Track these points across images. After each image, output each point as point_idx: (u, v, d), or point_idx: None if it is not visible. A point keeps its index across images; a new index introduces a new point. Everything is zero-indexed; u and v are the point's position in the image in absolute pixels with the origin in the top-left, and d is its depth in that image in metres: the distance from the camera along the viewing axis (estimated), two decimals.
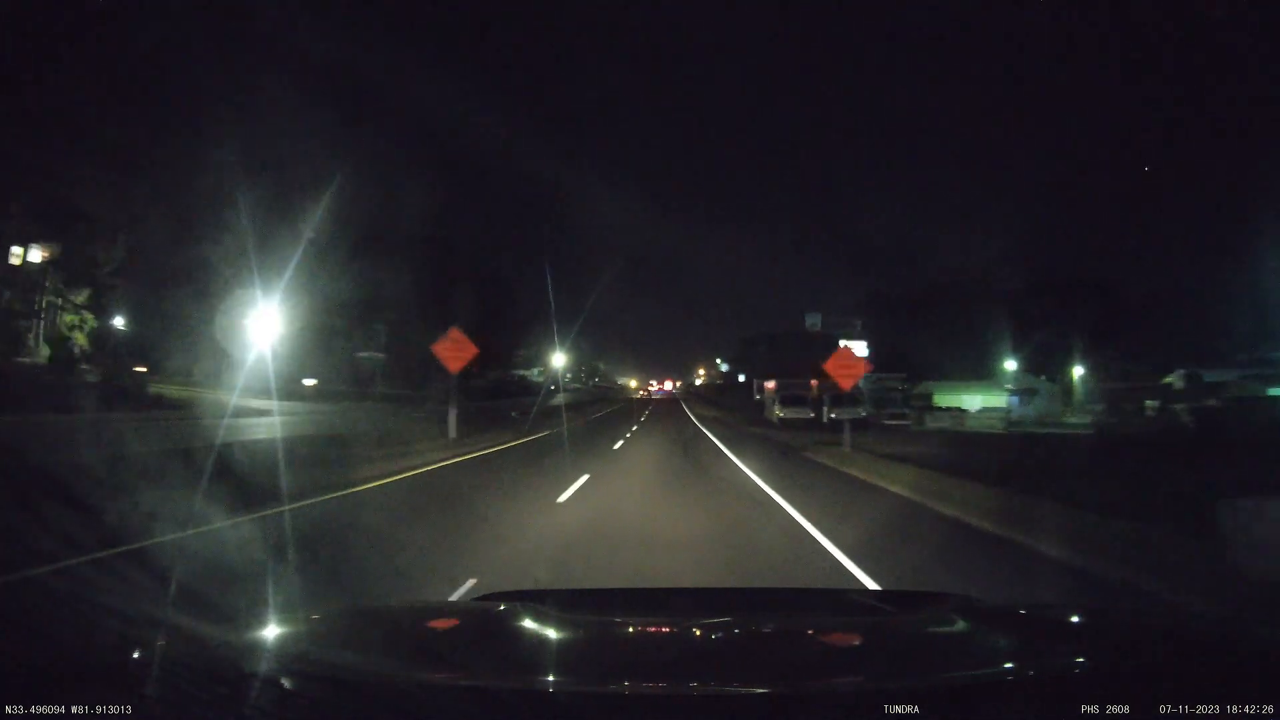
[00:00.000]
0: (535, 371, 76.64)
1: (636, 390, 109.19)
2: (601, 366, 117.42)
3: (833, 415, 26.63)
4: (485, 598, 2.80)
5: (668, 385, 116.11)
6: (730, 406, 48.47)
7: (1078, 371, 32.23)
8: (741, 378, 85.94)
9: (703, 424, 30.06)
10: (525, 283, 73.49)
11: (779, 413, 30.49)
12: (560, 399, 44.32)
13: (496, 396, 46.96)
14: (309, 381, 31.71)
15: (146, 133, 31.24)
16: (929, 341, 33.29)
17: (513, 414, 30.06)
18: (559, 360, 66.40)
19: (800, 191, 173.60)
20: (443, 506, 8.86)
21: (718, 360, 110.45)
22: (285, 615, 2.58)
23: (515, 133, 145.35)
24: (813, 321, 49.79)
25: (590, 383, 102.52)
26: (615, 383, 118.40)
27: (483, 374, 63.67)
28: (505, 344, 70.48)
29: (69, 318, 30.61)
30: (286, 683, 1.31)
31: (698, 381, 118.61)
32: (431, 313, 49.80)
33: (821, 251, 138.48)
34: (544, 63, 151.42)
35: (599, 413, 42.02)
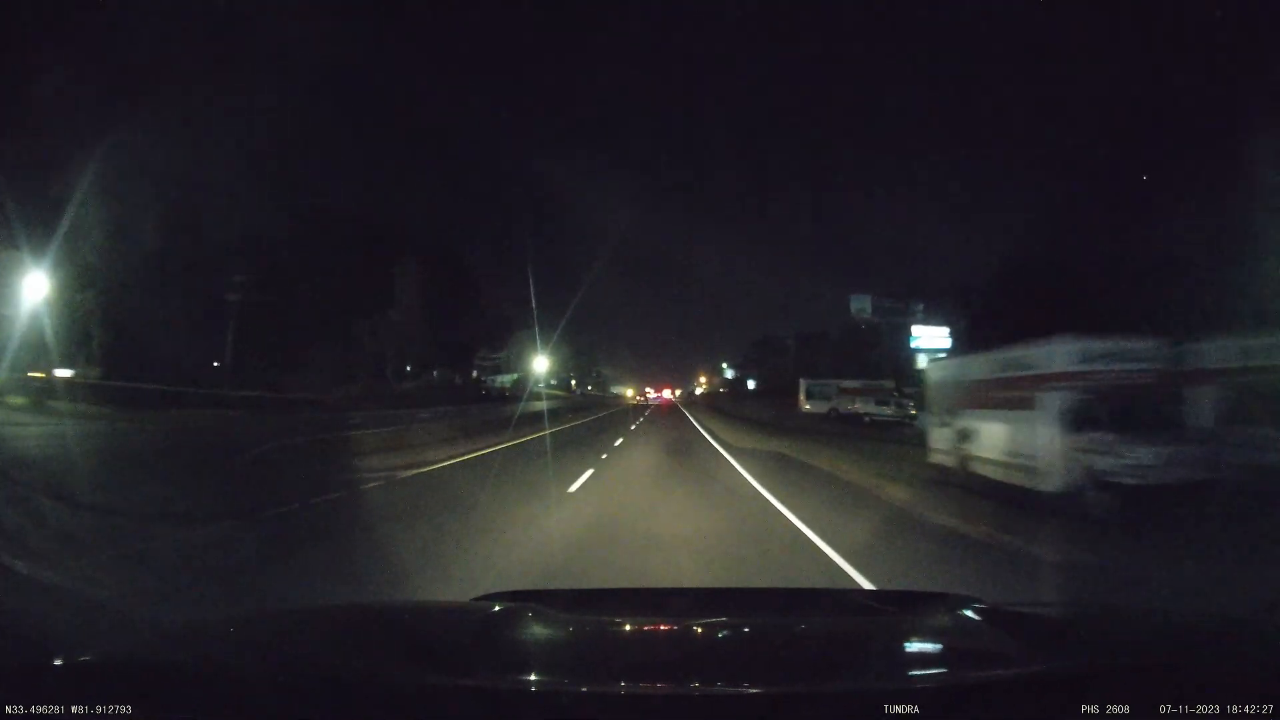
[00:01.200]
0: (513, 376, 67.19)
1: (632, 398, 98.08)
2: (598, 373, 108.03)
3: None
4: (484, 597, 2.57)
5: (666, 393, 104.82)
6: (772, 424, 28.67)
7: None
8: (751, 384, 79.84)
9: (787, 506, 8.88)
10: (509, 285, 63.22)
11: (1104, 458, 7.82)
12: (541, 406, 32.46)
13: (437, 403, 36.08)
14: (60, 372, 19.96)
15: None
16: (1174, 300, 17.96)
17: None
18: (541, 365, 56.28)
19: (804, 190, 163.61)
20: None
21: (723, 365, 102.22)
22: (283, 614, 2.48)
23: (501, 117, 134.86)
24: (860, 306, 37.84)
25: (582, 390, 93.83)
26: (608, 390, 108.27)
27: (418, 375, 52.63)
28: (462, 340, 59.34)
29: None
30: (285, 682, 1.29)
31: (698, 390, 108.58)
32: (329, 293, 38.90)
33: (830, 252, 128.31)
34: (539, 49, 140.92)
35: (564, 424, 29.00)
